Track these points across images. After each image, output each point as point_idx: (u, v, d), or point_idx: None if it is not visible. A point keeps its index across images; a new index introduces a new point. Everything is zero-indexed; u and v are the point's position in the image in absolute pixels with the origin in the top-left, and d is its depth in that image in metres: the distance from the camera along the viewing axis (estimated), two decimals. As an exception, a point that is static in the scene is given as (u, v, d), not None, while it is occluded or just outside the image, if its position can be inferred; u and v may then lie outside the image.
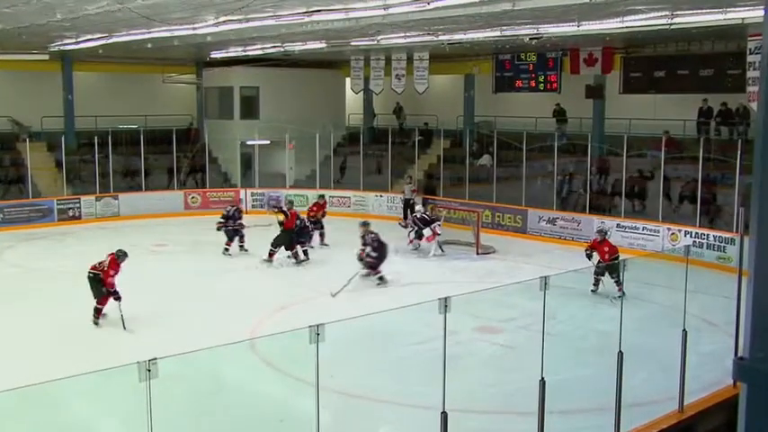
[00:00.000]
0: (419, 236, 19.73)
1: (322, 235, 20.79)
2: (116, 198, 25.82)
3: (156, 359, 5.59)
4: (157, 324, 13.82)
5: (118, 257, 13.79)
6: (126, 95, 29.64)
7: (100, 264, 13.85)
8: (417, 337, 11.60)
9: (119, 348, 11.68)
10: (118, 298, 13.63)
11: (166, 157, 27.71)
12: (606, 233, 16.57)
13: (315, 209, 21.12)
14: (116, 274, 13.72)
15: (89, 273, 13.82)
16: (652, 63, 22.74)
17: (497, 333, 13.22)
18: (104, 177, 26.06)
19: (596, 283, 15.54)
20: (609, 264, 15.41)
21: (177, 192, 27.07)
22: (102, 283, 13.63)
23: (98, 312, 13.73)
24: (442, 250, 19.63)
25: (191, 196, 27.08)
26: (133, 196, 26.20)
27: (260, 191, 27.63)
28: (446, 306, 7.04)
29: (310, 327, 6.36)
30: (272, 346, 10.95)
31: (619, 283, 14.22)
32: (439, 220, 20.08)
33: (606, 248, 15.90)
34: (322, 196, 22.15)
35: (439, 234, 19.59)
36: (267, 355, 11.24)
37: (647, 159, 22.44)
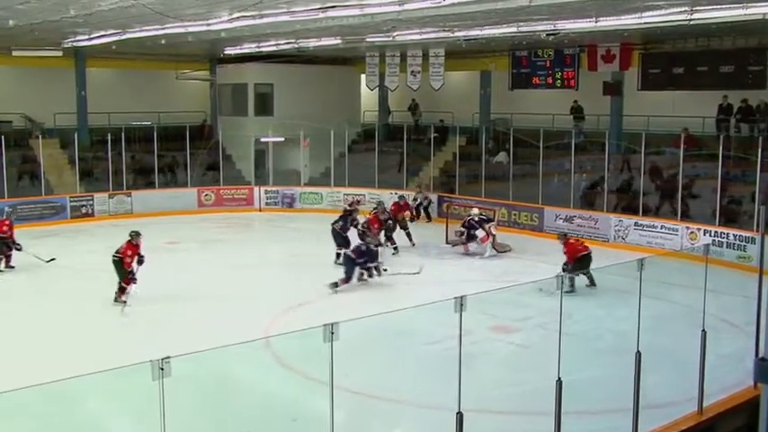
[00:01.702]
0: (471, 238, 19.56)
1: (408, 235, 20.75)
2: (129, 195, 25.94)
3: (169, 358, 5.61)
4: (169, 322, 13.88)
5: (131, 238, 14.89)
6: (139, 92, 29.79)
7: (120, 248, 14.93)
8: (432, 337, 11.58)
9: (131, 346, 11.71)
10: (133, 281, 14.76)
11: (180, 155, 27.83)
12: (565, 235, 17.03)
13: (394, 208, 20.96)
14: (133, 254, 14.72)
15: (113, 257, 14.88)
16: (671, 59, 22.63)
17: (513, 332, 13.21)
18: (117, 174, 26.21)
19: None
20: (572, 263, 16.01)
21: (190, 189, 27.15)
22: (123, 266, 14.71)
23: (121, 291, 14.75)
24: (497, 251, 19.62)
25: (204, 194, 27.17)
26: (146, 194, 26.34)
27: (274, 189, 27.67)
28: (461, 305, 7.03)
29: (325, 325, 6.36)
30: (286, 344, 10.98)
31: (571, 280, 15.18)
32: (493, 220, 20.13)
33: (564, 250, 16.32)
34: (402, 197, 22.14)
35: (494, 234, 19.59)
36: (281, 354, 11.28)
37: (666, 157, 22.34)
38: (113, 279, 14.93)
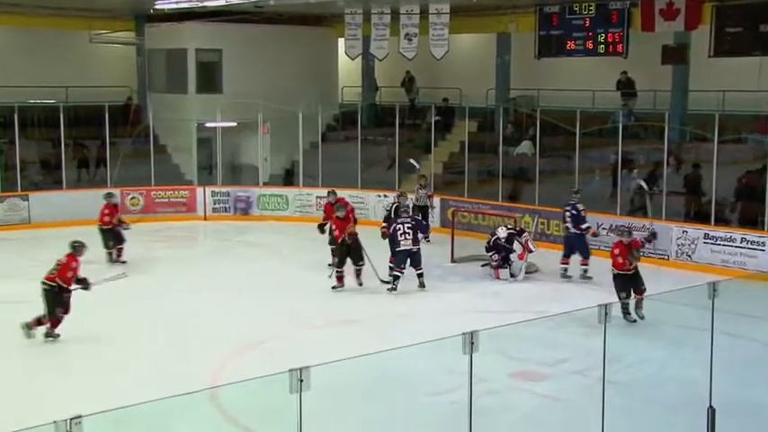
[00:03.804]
0: (506, 260, 19.69)
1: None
2: (25, 199, 25.80)
3: (80, 417, 5.57)
4: (85, 369, 13.81)
5: (74, 250, 15.01)
6: (40, 59, 29.59)
7: (55, 270, 14.82)
8: (435, 386, 11.59)
9: (37, 401, 11.65)
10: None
11: (96, 144, 27.71)
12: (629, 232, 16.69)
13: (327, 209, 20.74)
14: (77, 268, 14.93)
15: (43, 285, 14.77)
16: (757, 13, 22.48)
17: (541, 380, 13.19)
18: (9, 170, 26.09)
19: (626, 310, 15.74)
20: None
21: (111, 190, 26.95)
22: (58, 296, 14.67)
23: (37, 323, 14.70)
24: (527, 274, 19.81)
25: (130, 196, 27.06)
26: (50, 196, 26.26)
27: (223, 189, 27.66)
28: (472, 343, 7.04)
29: (291, 370, 6.35)
30: (239, 396, 10.94)
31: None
32: (526, 232, 20.33)
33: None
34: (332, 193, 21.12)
35: (532, 251, 19.72)
36: (231, 409, 11.23)
37: (748, 146, 22.35)
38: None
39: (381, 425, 11.55)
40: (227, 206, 27.50)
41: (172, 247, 23.58)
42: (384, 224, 20.03)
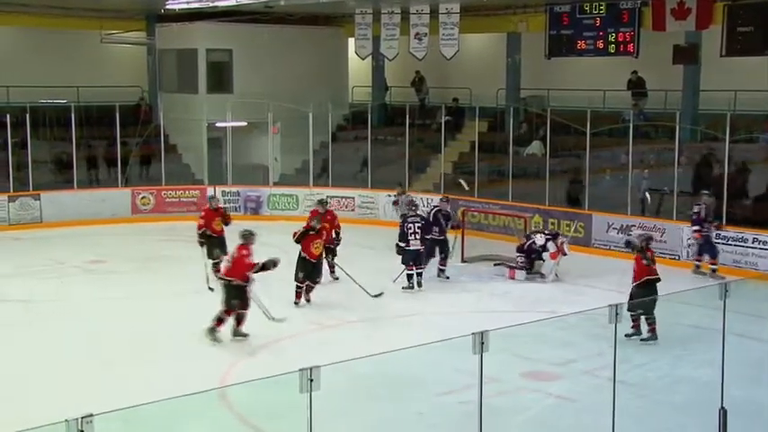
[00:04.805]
0: (530, 266, 19.62)
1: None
2: (37, 198, 25.84)
3: (91, 416, 5.57)
4: (96, 368, 13.81)
5: (245, 239, 14.92)
6: (51, 59, 29.68)
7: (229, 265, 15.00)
8: (445, 386, 11.56)
9: (47, 400, 11.66)
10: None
11: (107, 144, 27.74)
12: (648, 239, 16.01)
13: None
14: (248, 256, 14.77)
15: (221, 280, 15.08)
16: (769, 13, 22.49)
17: (553, 380, 13.17)
18: (20, 169, 26.14)
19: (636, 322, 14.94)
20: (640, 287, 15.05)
21: (122, 190, 27.16)
22: (235, 290, 14.71)
23: (219, 322, 14.81)
24: (557, 276, 19.70)
25: (140, 196, 27.11)
26: (61, 195, 26.30)
27: (233, 189, 27.66)
28: (482, 343, 7.01)
29: (301, 370, 6.35)
30: (250, 396, 10.93)
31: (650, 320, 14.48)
32: (561, 235, 20.28)
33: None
34: (323, 202, 19.98)
35: (566, 254, 19.67)
36: (241, 409, 11.23)
37: (761, 145, 22.25)
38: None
39: (391, 425, 11.54)
40: (237, 206, 27.49)
41: (181, 247, 23.52)
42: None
